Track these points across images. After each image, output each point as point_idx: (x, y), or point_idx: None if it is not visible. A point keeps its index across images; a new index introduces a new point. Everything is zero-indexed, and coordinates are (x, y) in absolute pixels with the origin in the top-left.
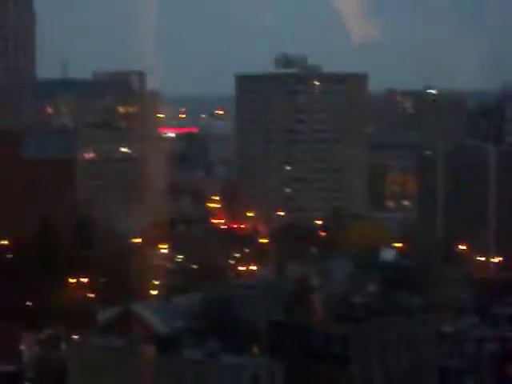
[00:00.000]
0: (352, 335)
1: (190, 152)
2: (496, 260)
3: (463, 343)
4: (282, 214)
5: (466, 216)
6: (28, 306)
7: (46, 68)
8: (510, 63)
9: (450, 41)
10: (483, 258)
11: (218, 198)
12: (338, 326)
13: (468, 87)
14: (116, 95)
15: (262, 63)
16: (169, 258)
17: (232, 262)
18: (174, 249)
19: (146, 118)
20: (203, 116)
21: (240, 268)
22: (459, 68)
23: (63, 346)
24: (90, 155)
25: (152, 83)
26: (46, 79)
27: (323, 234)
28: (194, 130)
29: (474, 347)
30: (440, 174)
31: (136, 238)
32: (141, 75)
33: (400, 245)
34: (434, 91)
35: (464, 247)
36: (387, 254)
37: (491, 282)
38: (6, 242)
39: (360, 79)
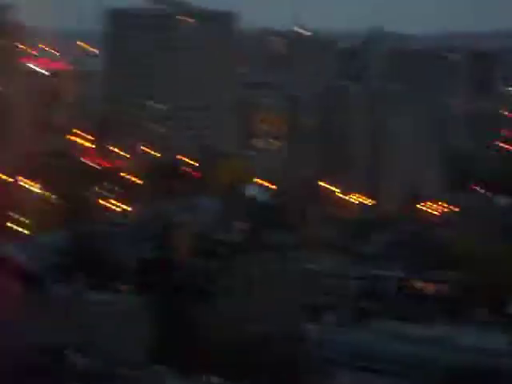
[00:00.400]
0: (216, 271)
1: (61, 88)
2: (361, 199)
3: (328, 280)
4: (151, 151)
5: (333, 156)
6: None
7: None
8: (379, 5)
9: None
10: (349, 197)
11: (89, 136)
12: (203, 262)
13: (340, 28)
14: None
15: None
16: (36, 194)
17: (99, 199)
18: (42, 185)
19: (13, 52)
20: (76, 52)
21: (109, 205)
22: (332, 9)
23: None
24: None
25: (24, 17)
26: None
27: (192, 172)
28: (66, 67)
29: (338, 284)
30: (308, 114)
31: (3, 173)
32: (3, 7)
33: (268, 183)
34: (306, 32)
35: (331, 187)
36: (255, 192)
37: (355, 220)
38: None
39: (231, 17)
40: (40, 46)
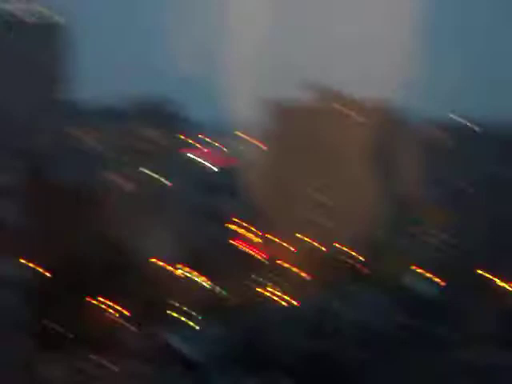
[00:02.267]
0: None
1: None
2: None
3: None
4: (315, 242)
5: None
6: None
7: None
8: None
9: None
10: None
11: (249, 225)
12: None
13: None
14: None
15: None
16: (201, 284)
17: (258, 287)
18: (206, 274)
19: (173, 142)
20: (236, 145)
21: (266, 293)
22: None
23: None
24: None
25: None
26: None
27: (357, 264)
28: (233, 161)
29: None
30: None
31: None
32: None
33: (429, 275)
34: None
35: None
36: (421, 284)
37: None
38: None
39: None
40: (202, 137)
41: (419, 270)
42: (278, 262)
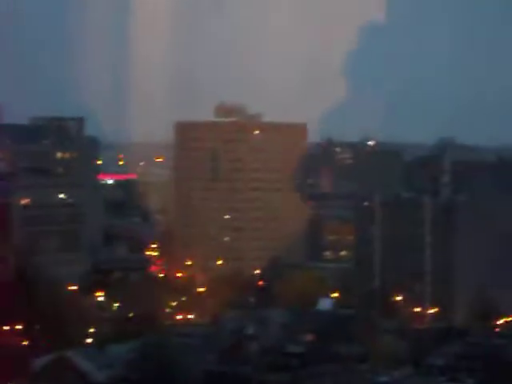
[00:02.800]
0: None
1: (128, 199)
2: (431, 311)
3: None
4: (220, 262)
5: (402, 267)
6: None
7: None
8: (444, 117)
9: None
10: (418, 309)
11: (156, 247)
12: (272, 375)
13: (404, 139)
14: (53, 141)
15: (202, 112)
16: (105, 305)
17: (169, 310)
18: (111, 296)
19: (83, 164)
20: (142, 163)
21: (177, 316)
22: (396, 121)
23: None
24: (26, 201)
25: (90, 129)
26: None
27: (260, 283)
28: (133, 176)
29: None
30: (377, 224)
31: (72, 285)
32: (79, 121)
33: (336, 294)
34: (371, 142)
35: (400, 298)
36: (324, 304)
37: (425, 332)
38: None
39: (299, 129)
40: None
41: (325, 291)
42: (185, 282)
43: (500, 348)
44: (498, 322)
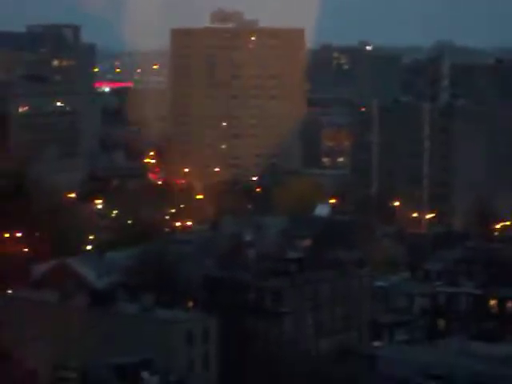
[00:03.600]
0: (284, 289)
1: (125, 107)
2: (429, 216)
3: (395, 298)
4: (218, 169)
5: (399, 173)
6: None
7: None
8: (444, 18)
9: None
10: (416, 214)
11: (153, 154)
12: (270, 280)
13: (403, 43)
14: (50, 48)
15: (198, 18)
16: (103, 213)
17: (167, 217)
18: (109, 204)
19: (80, 72)
20: (139, 71)
21: (175, 223)
22: (394, 23)
23: None
24: (23, 109)
25: (87, 37)
26: None
27: (258, 190)
28: (129, 84)
29: (405, 302)
30: (374, 130)
31: (71, 192)
32: (75, 28)
33: (334, 201)
34: (369, 47)
35: (398, 203)
36: (321, 210)
37: (424, 237)
38: None
39: (297, 34)
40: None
41: (322, 197)
42: (182, 189)
43: (498, 252)
44: (497, 226)
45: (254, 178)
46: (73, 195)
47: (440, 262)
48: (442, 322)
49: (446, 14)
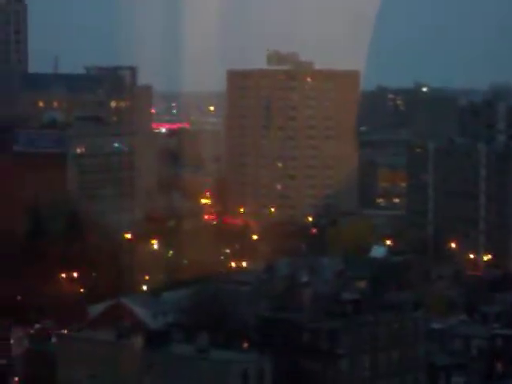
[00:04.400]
0: (340, 331)
1: (182, 148)
2: (486, 258)
3: (452, 340)
4: (273, 210)
5: (456, 214)
6: (18, 300)
7: (38, 63)
8: (497, 62)
9: (440, 40)
10: (473, 256)
11: (209, 195)
12: (327, 322)
13: (458, 85)
14: (108, 90)
15: (255, 60)
16: (160, 253)
17: (223, 257)
18: (165, 244)
19: (138, 113)
20: (195, 112)
21: (231, 264)
22: (449, 66)
23: (53, 339)
24: (81, 149)
25: (144, 78)
26: (38, 73)
27: (314, 230)
28: (186, 125)
29: (462, 344)
30: (430, 171)
31: (127, 233)
32: (132, 70)
33: (390, 242)
34: (424, 89)
35: (454, 245)
36: (377, 251)
37: (480, 279)
38: None
39: (352, 76)
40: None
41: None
42: (238, 229)
43: None
44: None
45: (310, 219)
46: (129, 235)
47: (497, 305)
48: (499, 365)
49: (503, 56)
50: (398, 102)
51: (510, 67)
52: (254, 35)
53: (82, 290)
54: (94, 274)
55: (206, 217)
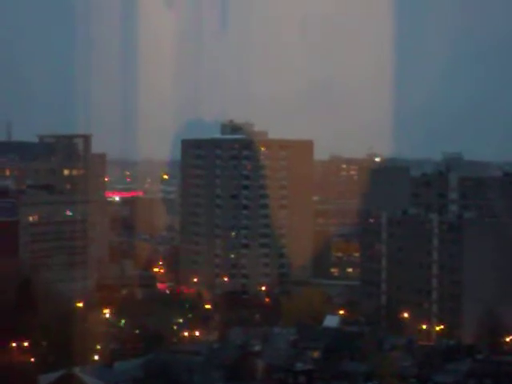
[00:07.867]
0: None
1: (135, 216)
2: (438, 328)
3: None
4: (226, 279)
5: (409, 284)
6: None
7: None
8: (451, 133)
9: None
10: (426, 326)
11: (162, 263)
12: None
13: (410, 155)
14: (61, 158)
15: (209, 129)
16: (111, 322)
17: (175, 327)
18: (117, 313)
19: (91, 181)
20: (149, 180)
21: (184, 333)
22: (401, 136)
23: None
24: (33, 218)
25: (98, 146)
26: None
27: (267, 300)
28: (140, 193)
29: None
30: (383, 241)
31: (79, 301)
32: (86, 138)
33: (343, 312)
34: (377, 159)
35: (407, 315)
36: (330, 321)
37: (433, 349)
38: None
39: (305, 146)
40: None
41: (331, 308)
42: (189, 299)
43: (508, 365)
44: (506, 339)
45: (263, 288)
46: (81, 304)
47: (449, 375)
48: None
49: (454, 127)
50: (352, 171)
51: (461, 139)
52: (208, 103)
53: (32, 360)
54: (45, 343)
55: (159, 285)
